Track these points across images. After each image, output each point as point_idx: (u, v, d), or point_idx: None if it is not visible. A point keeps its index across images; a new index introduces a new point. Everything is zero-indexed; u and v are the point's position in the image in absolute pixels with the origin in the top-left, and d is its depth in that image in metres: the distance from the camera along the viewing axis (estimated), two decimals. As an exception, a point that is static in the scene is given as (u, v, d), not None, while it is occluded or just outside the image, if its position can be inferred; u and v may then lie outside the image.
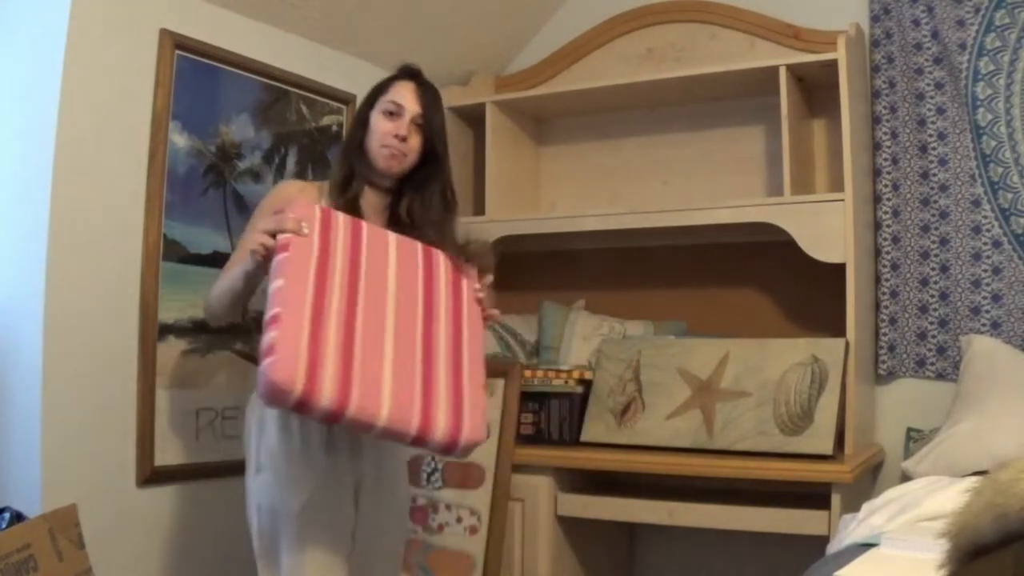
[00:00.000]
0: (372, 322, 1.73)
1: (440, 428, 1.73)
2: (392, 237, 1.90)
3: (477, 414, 1.80)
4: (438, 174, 2.08)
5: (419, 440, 1.72)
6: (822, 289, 2.71)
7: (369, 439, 1.90)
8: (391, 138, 2.02)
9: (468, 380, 1.83)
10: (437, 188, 2.07)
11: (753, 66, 2.76)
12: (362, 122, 2.08)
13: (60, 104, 2.13)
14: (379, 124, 2.04)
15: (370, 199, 2.07)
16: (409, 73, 2.11)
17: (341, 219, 1.82)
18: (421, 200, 2.06)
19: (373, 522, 1.98)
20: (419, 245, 1.93)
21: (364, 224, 1.87)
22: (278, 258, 1.70)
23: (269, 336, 1.60)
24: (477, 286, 1.98)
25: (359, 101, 2.90)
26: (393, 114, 2.04)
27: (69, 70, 2.14)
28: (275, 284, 1.68)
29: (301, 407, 1.60)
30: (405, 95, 2.06)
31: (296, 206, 1.80)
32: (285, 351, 1.58)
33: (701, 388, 2.62)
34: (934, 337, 2.73)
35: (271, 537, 1.86)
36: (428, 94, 2.08)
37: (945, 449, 2.37)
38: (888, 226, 2.79)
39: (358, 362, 1.65)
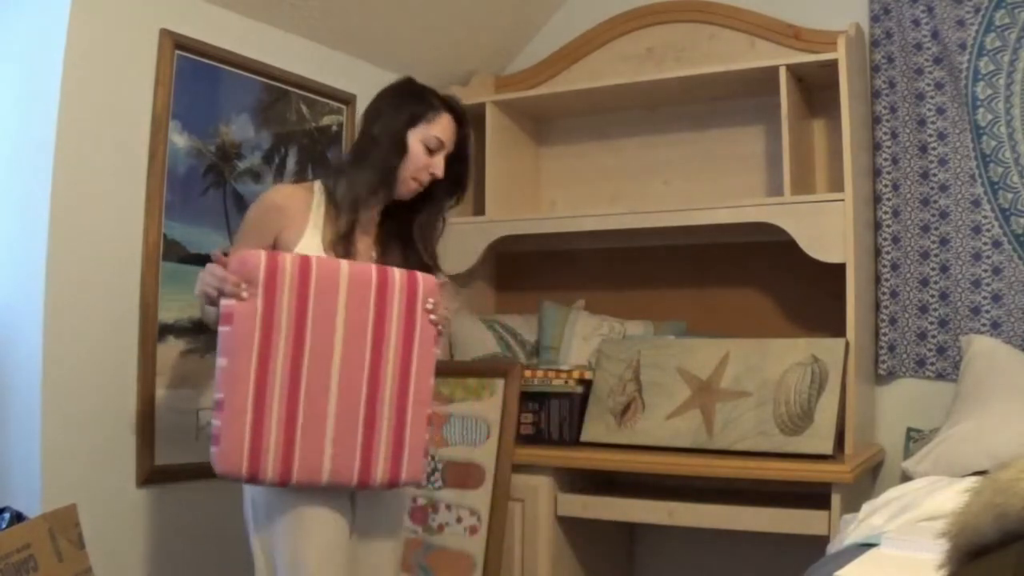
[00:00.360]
0: (316, 383, 1.81)
1: (379, 475, 1.88)
2: (344, 269, 1.84)
3: (416, 455, 1.92)
4: (453, 198, 2.14)
5: (360, 486, 1.88)
6: (822, 289, 2.71)
7: None
8: (427, 174, 2.02)
9: (411, 419, 1.91)
10: (447, 210, 2.15)
11: (753, 66, 2.76)
12: (400, 144, 2.00)
13: (60, 104, 2.12)
14: (418, 155, 2.01)
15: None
16: (455, 109, 2.08)
17: (288, 263, 1.79)
18: (429, 216, 2.10)
19: (370, 518, 1.99)
20: (373, 270, 1.88)
21: (313, 262, 1.82)
22: (221, 330, 1.78)
23: (215, 424, 1.77)
24: (431, 301, 1.93)
25: (359, 101, 2.94)
26: (433, 150, 2.02)
27: (69, 70, 2.14)
28: (219, 362, 1.78)
29: (250, 482, 1.81)
30: (448, 131, 2.05)
31: (241, 262, 1.78)
32: (229, 442, 1.75)
33: (701, 388, 2.62)
34: (934, 337, 2.73)
35: (269, 535, 1.87)
36: (467, 127, 2.10)
37: (945, 449, 2.37)
38: (888, 226, 2.79)
39: (300, 435, 1.80)
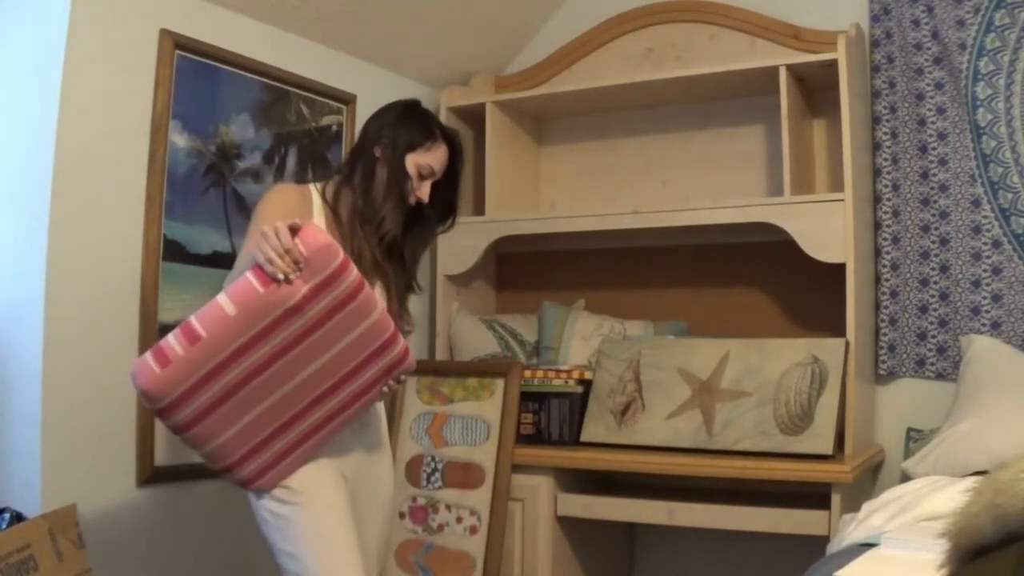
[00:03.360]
0: (272, 381, 1.75)
1: (245, 472, 1.82)
2: (377, 312, 1.80)
3: (290, 469, 1.86)
4: (444, 225, 2.19)
5: (223, 473, 1.84)
6: (822, 289, 2.71)
7: (351, 434, 1.98)
8: (413, 198, 2.07)
9: (316, 441, 1.86)
10: (437, 235, 2.22)
11: (753, 66, 2.76)
12: (404, 168, 2.04)
13: (60, 104, 2.13)
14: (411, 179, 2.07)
15: None
16: (451, 141, 2.13)
17: (351, 276, 1.73)
18: (420, 240, 2.15)
19: (364, 510, 2.02)
20: (391, 326, 1.84)
21: (365, 289, 1.77)
22: (251, 283, 1.68)
23: (171, 344, 1.67)
24: (403, 378, 1.93)
25: (359, 101, 2.94)
26: (424, 177, 2.07)
27: (69, 70, 2.14)
28: (223, 302, 1.68)
29: (157, 415, 1.74)
30: (442, 161, 2.10)
31: (320, 245, 1.69)
32: (173, 375, 1.66)
33: (701, 388, 2.62)
34: (934, 337, 2.73)
35: (297, 548, 1.85)
36: (460, 159, 2.15)
37: (945, 449, 2.37)
38: (888, 226, 2.79)
39: (227, 407, 1.73)
